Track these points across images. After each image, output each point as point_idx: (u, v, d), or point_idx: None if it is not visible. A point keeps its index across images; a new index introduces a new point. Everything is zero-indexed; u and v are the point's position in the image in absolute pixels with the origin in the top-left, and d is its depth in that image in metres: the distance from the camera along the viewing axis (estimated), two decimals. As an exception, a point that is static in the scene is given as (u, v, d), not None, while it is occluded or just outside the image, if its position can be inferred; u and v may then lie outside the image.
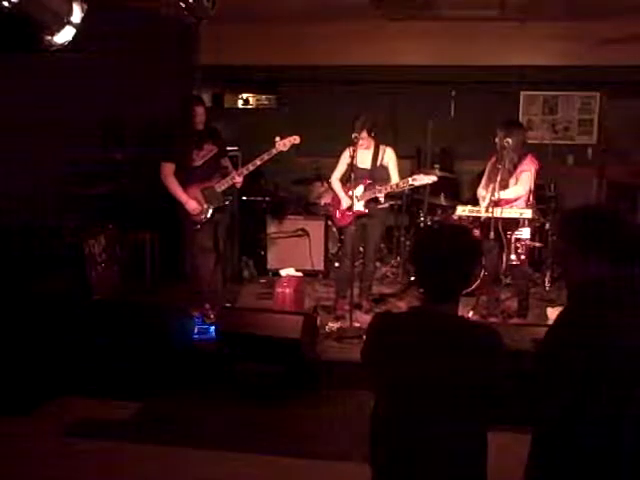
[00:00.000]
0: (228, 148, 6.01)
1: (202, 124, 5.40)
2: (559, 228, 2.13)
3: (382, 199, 5.48)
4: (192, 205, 5.30)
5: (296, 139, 5.42)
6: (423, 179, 5.38)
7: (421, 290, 2.20)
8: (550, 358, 1.98)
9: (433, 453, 2.05)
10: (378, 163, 5.55)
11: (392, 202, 5.96)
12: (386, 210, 5.77)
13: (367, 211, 5.50)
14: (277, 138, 5.40)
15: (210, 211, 5.38)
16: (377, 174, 5.54)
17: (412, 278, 6.23)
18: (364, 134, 5.39)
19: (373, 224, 5.64)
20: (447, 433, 2.04)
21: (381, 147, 5.58)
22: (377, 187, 5.43)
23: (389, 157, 5.58)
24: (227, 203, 5.56)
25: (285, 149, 5.41)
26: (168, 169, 5.31)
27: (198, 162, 5.39)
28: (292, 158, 7.02)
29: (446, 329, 2.11)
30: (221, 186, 5.42)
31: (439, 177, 6.74)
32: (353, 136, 5.35)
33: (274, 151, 5.38)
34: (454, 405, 2.04)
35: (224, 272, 5.99)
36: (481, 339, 2.09)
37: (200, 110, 5.38)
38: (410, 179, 5.37)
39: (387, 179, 5.53)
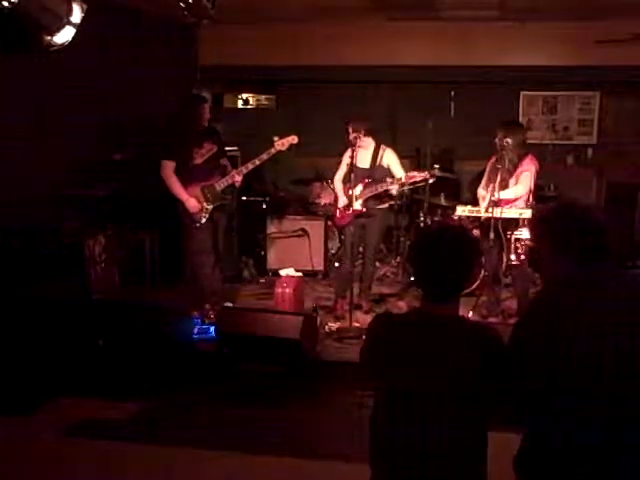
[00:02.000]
0: (228, 148, 6.04)
1: (207, 121, 5.46)
2: (531, 229, 2.21)
3: (394, 191, 5.50)
4: (192, 203, 5.31)
5: (294, 139, 5.45)
6: (416, 176, 5.39)
7: (420, 291, 2.21)
8: (516, 350, 2.04)
9: (433, 453, 2.05)
10: (377, 163, 5.57)
11: (392, 202, 5.96)
12: (385, 210, 5.77)
13: (365, 210, 5.51)
14: (275, 138, 5.43)
15: (209, 209, 5.39)
16: (377, 174, 5.54)
17: (412, 278, 6.23)
18: (354, 134, 5.42)
19: (372, 224, 5.64)
20: (447, 434, 2.04)
21: (381, 147, 5.60)
22: (375, 185, 5.45)
23: (388, 157, 5.59)
24: (226, 202, 5.59)
25: (284, 149, 5.43)
26: (169, 167, 5.32)
27: (198, 160, 5.41)
28: (292, 158, 7.01)
29: (446, 330, 2.11)
30: (221, 185, 5.43)
31: (439, 177, 6.75)
32: (352, 137, 5.38)
33: (273, 150, 5.40)
34: (454, 406, 2.04)
35: (224, 272, 6.00)
36: (481, 339, 2.09)
37: (206, 107, 5.45)
38: (404, 177, 5.39)
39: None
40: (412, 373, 2.08)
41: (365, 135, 5.46)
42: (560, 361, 1.92)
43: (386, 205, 5.71)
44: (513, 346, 2.07)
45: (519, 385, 2.03)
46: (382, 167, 5.59)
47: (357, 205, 5.48)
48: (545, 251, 2.09)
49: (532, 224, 2.26)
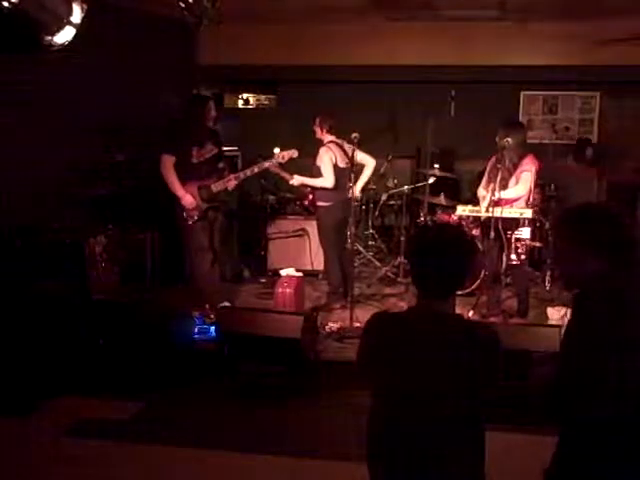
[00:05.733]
0: (228, 148, 6.07)
1: (212, 120, 5.48)
2: (558, 227, 2.14)
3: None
4: (188, 200, 5.33)
5: (295, 153, 5.49)
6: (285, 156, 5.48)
7: (417, 288, 2.20)
8: (580, 361, 1.95)
9: (431, 453, 2.05)
10: (317, 162, 5.76)
11: (330, 202, 5.75)
12: (325, 209, 5.79)
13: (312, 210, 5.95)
14: (276, 150, 5.49)
15: (203, 209, 5.41)
16: (314, 170, 5.77)
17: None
18: (317, 130, 5.75)
19: (318, 222, 5.94)
20: (445, 432, 2.04)
21: (325, 145, 5.73)
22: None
23: (320, 156, 5.73)
24: (219, 203, 5.61)
25: (283, 162, 5.52)
26: (168, 162, 5.33)
27: (199, 159, 5.42)
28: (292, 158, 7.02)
29: (443, 328, 2.11)
30: (217, 187, 5.45)
31: (439, 177, 6.74)
32: (352, 136, 5.38)
33: (274, 161, 5.49)
34: (452, 404, 2.04)
35: (223, 272, 6.00)
36: (479, 338, 2.09)
37: (212, 106, 5.48)
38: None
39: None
40: (409, 371, 2.08)
41: (328, 132, 5.70)
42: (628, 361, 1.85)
43: (327, 203, 5.74)
44: (572, 361, 1.97)
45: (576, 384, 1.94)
46: (317, 166, 5.74)
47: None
48: (574, 250, 2.03)
49: (559, 223, 2.17)
